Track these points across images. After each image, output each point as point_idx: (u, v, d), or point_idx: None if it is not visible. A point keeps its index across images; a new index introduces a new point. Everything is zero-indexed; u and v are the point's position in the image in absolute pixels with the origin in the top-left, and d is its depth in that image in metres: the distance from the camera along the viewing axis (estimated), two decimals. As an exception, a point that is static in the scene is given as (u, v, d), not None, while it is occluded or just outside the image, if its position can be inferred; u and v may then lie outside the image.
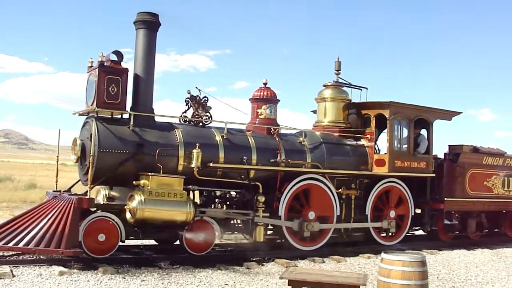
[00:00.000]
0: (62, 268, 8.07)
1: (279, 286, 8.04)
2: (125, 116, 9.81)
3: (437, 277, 9.41)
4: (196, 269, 8.84)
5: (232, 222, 10.92)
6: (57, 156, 10.28)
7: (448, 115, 13.53)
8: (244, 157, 10.40)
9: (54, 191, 9.86)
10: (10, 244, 8.32)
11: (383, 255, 6.74)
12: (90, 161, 8.74)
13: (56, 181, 10.28)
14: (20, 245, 8.29)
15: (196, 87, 10.32)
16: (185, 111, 10.48)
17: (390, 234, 12.55)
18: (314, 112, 13.60)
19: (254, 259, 9.95)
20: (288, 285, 6.28)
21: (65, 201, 8.60)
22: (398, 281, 6.40)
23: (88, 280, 7.66)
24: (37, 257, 8.65)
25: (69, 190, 10.03)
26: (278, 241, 11.48)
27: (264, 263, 9.74)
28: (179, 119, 10.48)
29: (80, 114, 9.99)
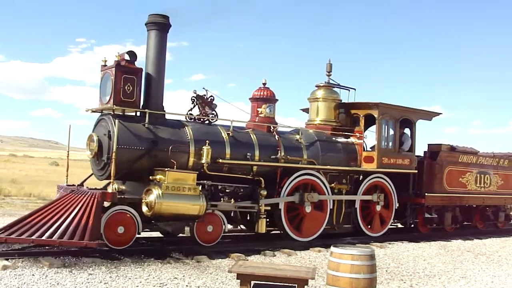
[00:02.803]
0: (5, 262, 7.81)
1: (228, 280, 7.88)
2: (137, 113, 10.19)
3: (386, 271, 9.54)
4: (145, 262, 8.76)
5: (232, 215, 11.54)
6: (68, 152, 10.57)
7: (429, 115, 14.53)
8: (248, 154, 11.00)
9: (67, 185, 10.16)
10: (34, 237, 8.58)
11: (332, 248, 6.76)
12: (113, 157, 9.10)
13: (67, 176, 10.54)
14: (44, 237, 8.57)
15: (204, 88, 10.90)
16: (191, 109, 10.96)
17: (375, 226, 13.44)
18: (304, 110, 14.39)
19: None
20: (237, 278, 6.15)
21: (87, 195, 8.95)
22: (347, 274, 6.47)
23: (32, 274, 7.35)
24: None
25: (81, 184, 10.36)
26: (274, 232, 12.16)
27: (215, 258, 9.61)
28: (185, 117, 10.93)
29: (93, 111, 10.31)
